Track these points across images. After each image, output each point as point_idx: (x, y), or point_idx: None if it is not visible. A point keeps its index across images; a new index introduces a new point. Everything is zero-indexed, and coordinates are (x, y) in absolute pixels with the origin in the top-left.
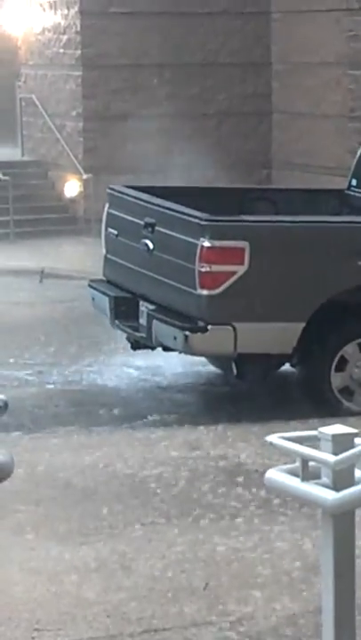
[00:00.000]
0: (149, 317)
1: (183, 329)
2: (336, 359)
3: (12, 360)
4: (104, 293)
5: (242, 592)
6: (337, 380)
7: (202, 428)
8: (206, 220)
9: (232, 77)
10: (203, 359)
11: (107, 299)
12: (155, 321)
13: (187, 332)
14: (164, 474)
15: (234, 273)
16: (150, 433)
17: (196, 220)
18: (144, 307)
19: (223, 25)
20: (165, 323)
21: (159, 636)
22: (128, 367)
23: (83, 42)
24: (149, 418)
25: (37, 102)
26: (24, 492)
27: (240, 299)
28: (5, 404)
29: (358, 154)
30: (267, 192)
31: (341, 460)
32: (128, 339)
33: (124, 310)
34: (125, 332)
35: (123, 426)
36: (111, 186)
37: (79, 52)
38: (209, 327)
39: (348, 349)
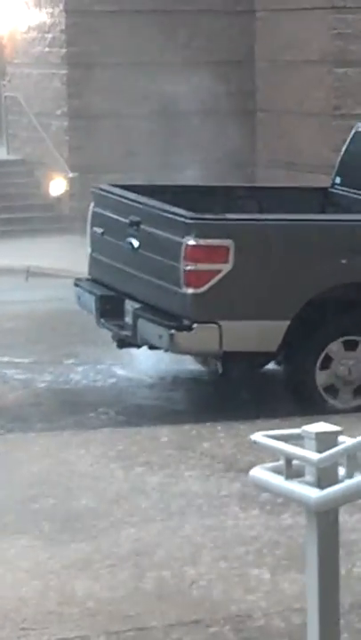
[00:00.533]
0: (135, 316)
1: (168, 327)
2: (321, 357)
3: None
4: (90, 292)
5: (229, 589)
6: (322, 377)
7: (187, 426)
8: (191, 219)
9: (216, 75)
10: (188, 357)
11: (92, 297)
12: (140, 319)
13: (172, 331)
14: (150, 472)
15: (219, 271)
16: (136, 432)
17: (181, 219)
18: (129, 305)
19: (207, 23)
20: (151, 321)
21: (146, 634)
22: (114, 365)
23: (68, 40)
24: (135, 416)
25: (22, 101)
26: (9, 491)
27: (225, 297)
28: None
29: (342, 152)
30: (251, 190)
31: (325, 458)
32: (114, 337)
33: (109, 309)
34: (111, 330)
35: (109, 424)
36: (96, 184)
37: (64, 50)
38: (194, 325)
39: (333, 347)
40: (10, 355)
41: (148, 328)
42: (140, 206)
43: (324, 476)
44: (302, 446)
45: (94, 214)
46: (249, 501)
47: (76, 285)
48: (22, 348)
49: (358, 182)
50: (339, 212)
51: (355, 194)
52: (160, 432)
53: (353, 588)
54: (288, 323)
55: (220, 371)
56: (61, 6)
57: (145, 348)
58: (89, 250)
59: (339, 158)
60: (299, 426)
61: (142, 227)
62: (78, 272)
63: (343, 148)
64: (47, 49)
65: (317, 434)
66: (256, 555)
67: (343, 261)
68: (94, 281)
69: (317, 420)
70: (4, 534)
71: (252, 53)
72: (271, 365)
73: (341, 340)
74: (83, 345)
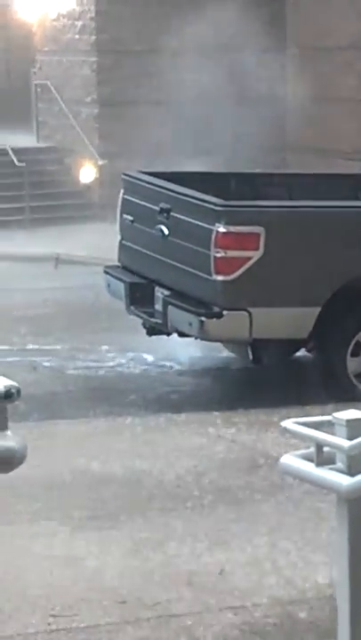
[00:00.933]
0: (165, 303)
1: (198, 314)
2: (352, 344)
3: (28, 346)
4: (119, 279)
5: (258, 577)
6: (353, 364)
7: (217, 413)
8: (221, 206)
9: (247, 62)
10: (219, 344)
11: (122, 285)
12: (170, 307)
13: (202, 318)
14: (181, 460)
15: (249, 258)
16: (167, 419)
17: (211, 206)
18: (159, 292)
19: (238, 9)
20: (181, 308)
21: (175, 622)
22: (145, 353)
23: (97, 27)
24: (166, 403)
25: (52, 88)
26: (39, 478)
27: (255, 284)
28: (18, 391)
29: None
30: (282, 177)
31: (356, 445)
32: (144, 324)
33: (139, 296)
34: (141, 317)
35: (139, 412)
36: (126, 172)
37: (94, 37)
38: (224, 313)
39: None
40: (40, 342)
41: (178, 315)
42: (170, 193)
43: (355, 463)
44: (333, 433)
45: (124, 201)
46: (277, 489)
47: (106, 273)
48: (53, 336)
49: None
50: None
51: None
52: (190, 418)
53: None
54: (319, 310)
55: (251, 358)
56: None
57: (175, 335)
58: (119, 237)
59: None
60: (330, 413)
61: (172, 214)
62: (108, 259)
63: None
64: (77, 36)
65: (348, 420)
66: (286, 541)
67: None
68: (124, 268)
69: (348, 407)
70: (33, 521)
71: (283, 39)
72: (302, 352)
73: None
74: (113, 332)
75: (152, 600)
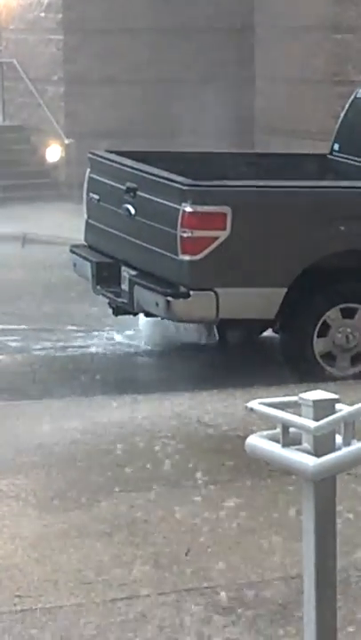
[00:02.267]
0: (131, 283)
1: (165, 294)
2: (319, 325)
3: None
4: (86, 259)
5: (224, 558)
6: (319, 345)
7: (185, 394)
8: (188, 185)
9: (214, 42)
10: (185, 324)
11: (89, 264)
12: (136, 286)
13: (169, 298)
14: (147, 441)
15: (216, 238)
16: (133, 400)
17: (178, 185)
18: (126, 272)
19: None
20: (147, 288)
21: (141, 603)
22: (110, 333)
23: (64, 5)
24: (132, 384)
25: (18, 66)
26: (5, 459)
27: (222, 264)
28: None
29: (341, 118)
30: (249, 157)
31: (322, 425)
32: (110, 304)
33: (105, 276)
34: (107, 297)
35: (106, 393)
36: (92, 151)
37: (60, 15)
38: (191, 293)
39: (331, 315)
40: (6, 322)
41: (144, 295)
42: (137, 172)
43: (322, 444)
44: (299, 414)
45: (90, 180)
46: (242, 469)
47: (73, 252)
48: (19, 315)
49: (357, 149)
50: (337, 178)
51: (353, 160)
52: (156, 399)
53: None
54: (286, 290)
55: (217, 338)
56: None
57: (141, 315)
58: (85, 216)
59: (337, 125)
60: (296, 393)
61: (139, 193)
62: (74, 239)
63: (342, 115)
64: (43, 14)
65: (315, 401)
66: (252, 523)
67: (341, 228)
68: (90, 247)
69: (315, 388)
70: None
71: (251, 20)
72: (268, 333)
73: (339, 307)
74: (79, 312)
75: (118, 581)
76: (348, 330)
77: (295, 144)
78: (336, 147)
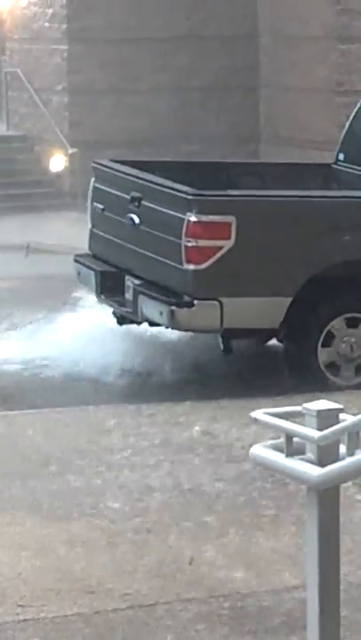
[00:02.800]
0: (135, 292)
1: (169, 304)
2: (323, 334)
3: None
4: (90, 268)
5: (227, 568)
6: (324, 355)
7: (188, 403)
8: (193, 195)
9: (219, 50)
10: (189, 334)
11: (93, 273)
12: (141, 296)
13: (173, 307)
14: (149, 450)
15: (220, 248)
16: (135, 409)
17: (183, 195)
18: (130, 281)
19: None
20: (151, 298)
21: (144, 612)
22: (114, 341)
23: (68, 15)
24: (135, 393)
25: (23, 76)
26: (5, 468)
27: (227, 273)
28: None
29: (346, 128)
30: (254, 166)
31: (326, 435)
32: (114, 313)
33: (110, 285)
34: (111, 306)
35: (108, 401)
36: (97, 160)
37: (65, 25)
38: (195, 302)
39: (336, 324)
40: (9, 331)
41: (148, 304)
42: (142, 182)
43: (325, 454)
44: (303, 424)
45: (95, 190)
46: (248, 480)
47: (76, 261)
48: (22, 325)
49: None
50: (342, 188)
51: (358, 170)
52: (158, 409)
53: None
54: (290, 300)
55: (222, 347)
56: None
57: (145, 324)
58: (89, 225)
59: (342, 134)
60: (300, 403)
61: (143, 202)
62: (78, 248)
63: (347, 125)
64: (47, 24)
65: (319, 411)
66: (257, 533)
67: (346, 238)
68: (95, 257)
69: (319, 398)
70: (1, 511)
71: (256, 28)
72: (273, 342)
73: (344, 317)
74: (83, 321)
75: (121, 590)
76: (353, 339)
77: (300, 153)
78: (341, 156)
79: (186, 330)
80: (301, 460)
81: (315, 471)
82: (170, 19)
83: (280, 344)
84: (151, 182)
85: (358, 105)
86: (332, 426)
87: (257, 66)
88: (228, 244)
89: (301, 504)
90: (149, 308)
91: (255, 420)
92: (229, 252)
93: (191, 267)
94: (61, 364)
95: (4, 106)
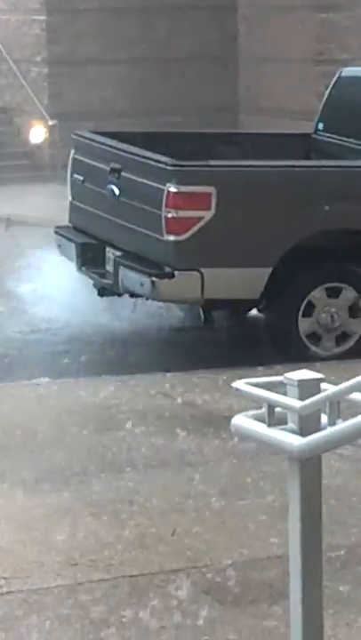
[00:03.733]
0: (116, 264)
1: (150, 275)
2: (303, 304)
3: None
4: (70, 240)
5: (210, 538)
6: (304, 325)
7: (169, 374)
8: (172, 165)
9: (199, 21)
10: (170, 305)
11: (73, 245)
12: (121, 267)
13: (153, 278)
14: (133, 421)
15: (200, 218)
16: (118, 380)
17: (163, 165)
18: (110, 253)
19: None
20: (132, 269)
21: (127, 583)
22: (96, 314)
23: None
24: (117, 365)
25: (1, 47)
26: None
27: (207, 244)
28: None
29: (325, 97)
30: (234, 136)
31: (307, 405)
32: (95, 285)
33: (90, 257)
34: (92, 278)
35: (91, 373)
36: (76, 131)
37: None
38: (176, 273)
39: (316, 294)
40: None
41: (129, 276)
42: (121, 153)
43: (307, 424)
44: (285, 394)
45: (75, 161)
46: (228, 450)
47: (57, 233)
48: (1, 296)
49: (341, 128)
50: (321, 158)
51: (337, 140)
52: (141, 380)
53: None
54: (270, 270)
55: (202, 318)
56: None
57: (126, 296)
58: (69, 197)
59: (322, 104)
60: (281, 373)
61: (123, 174)
62: (59, 220)
63: (326, 94)
64: None
65: (300, 381)
66: (240, 503)
67: (326, 208)
68: (75, 229)
69: (300, 368)
70: None
71: None
72: (254, 312)
73: (324, 287)
74: (63, 293)
75: (104, 562)
76: (333, 309)
77: (279, 123)
78: (320, 126)
79: (166, 301)
80: (283, 429)
81: (296, 441)
82: None
83: (261, 314)
84: (131, 153)
85: (337, 74)
86: (313, 396)
87: (236, 36)
88: (208, 215)
89: (283, 473)
90: (130, 279)
91: (237, 390)
92: (209, 222)
93: (171, 237)
94: (43, 335)
95: None
